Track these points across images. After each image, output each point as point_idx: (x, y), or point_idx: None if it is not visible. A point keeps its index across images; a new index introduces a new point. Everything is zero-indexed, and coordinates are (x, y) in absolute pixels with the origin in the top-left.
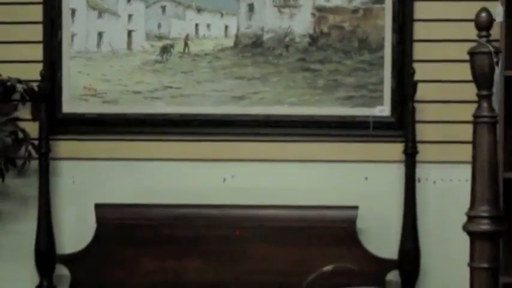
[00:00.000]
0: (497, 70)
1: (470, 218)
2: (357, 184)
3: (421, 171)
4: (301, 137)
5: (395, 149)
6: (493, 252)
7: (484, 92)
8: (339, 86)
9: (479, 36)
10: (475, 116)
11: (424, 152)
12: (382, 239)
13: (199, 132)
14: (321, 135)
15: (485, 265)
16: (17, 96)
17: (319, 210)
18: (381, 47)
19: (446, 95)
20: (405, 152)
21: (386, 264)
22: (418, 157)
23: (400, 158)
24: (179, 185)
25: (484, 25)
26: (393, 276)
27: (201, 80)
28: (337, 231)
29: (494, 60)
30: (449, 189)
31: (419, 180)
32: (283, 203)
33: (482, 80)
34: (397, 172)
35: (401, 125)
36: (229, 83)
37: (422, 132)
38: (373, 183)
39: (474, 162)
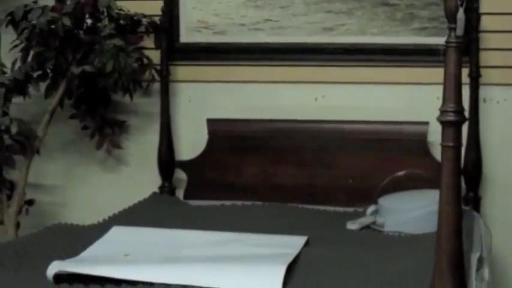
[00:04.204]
0: (461, 10)
1: (441, 112)
2: (429, 103)
3: (486, 92)
4: (382, 63)
5: (463, 73)
6: (456, 135)
7: (452, 25)
8: (414, 18)
9: None
10: (446, 42)
11: (489, 75)
12: None
13: (295, 59)
14: (399, 61)
15: (451, 144)
16: (142, 28)
17: (396, 125)
18: None
19: (508, 26)
20: (470, 75)
21: None
22: (484, 80)
23: (466, 81)
24: (277, 103)
25: None
26: None
27: (296, 14)
28: (411, 143)
29: (459, 2)
30: (511, 108)
31: (484, 101)
32: (365, 119)
33: (450, 17)
34: (464, 93)
35: (468, 52)
36: (320, 16)
37: (487, 58)
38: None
39: (445, 74)
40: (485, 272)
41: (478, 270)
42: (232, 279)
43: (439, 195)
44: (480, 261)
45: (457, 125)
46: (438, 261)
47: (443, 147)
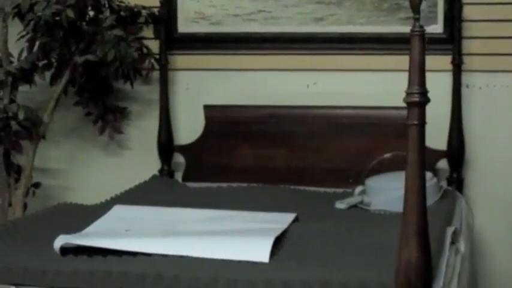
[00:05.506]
0: (424, 2)
1: (407, 94)
2: None
3: (469, 78)
4: (370, 51)
5: (447, 60)
6: (420, 115)
7: (417, 16)
8: (400, 8)
9: None
10: (411, 31)
11: (472, 62)
12: (434, 134)
13: (287, 47)
14: (386, 49)
15: (415, 122)
16: (141, 19)
17: (383, 110)
18: None
19: (490, 15)
20: (452, 62)
21: (436, 154)
22: (467, 67)
23: (450, 68)
24: (271, 90)
25: None
26: (442, 164)
27: (288, 5)
28: (398, 127)
29: None
30: (492, 93)
31: (467, 86)
32: (355, 105)
33: (415, 8)
34: (448, 79)
35: (451, 40)
36: (311, 7)
37: (470, 46)
38: (428, 88)
39: (410, 60)
40: (461, 246)
41: (453, 243)
42: (224, 250)
43: (405, 169)
44: (456, 234)
45: (421, 105)
46: (404, 229)
47: (409, 125)
